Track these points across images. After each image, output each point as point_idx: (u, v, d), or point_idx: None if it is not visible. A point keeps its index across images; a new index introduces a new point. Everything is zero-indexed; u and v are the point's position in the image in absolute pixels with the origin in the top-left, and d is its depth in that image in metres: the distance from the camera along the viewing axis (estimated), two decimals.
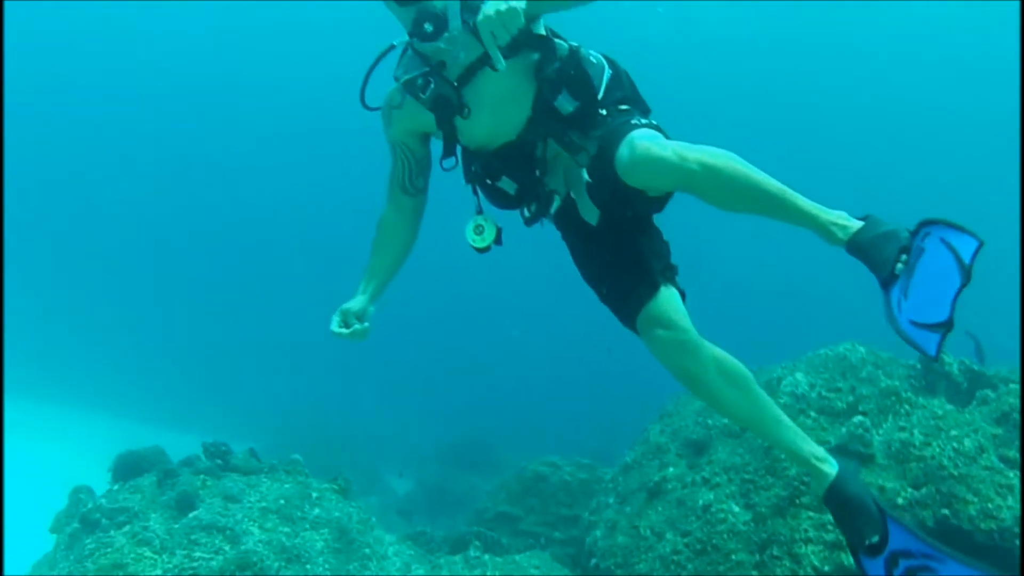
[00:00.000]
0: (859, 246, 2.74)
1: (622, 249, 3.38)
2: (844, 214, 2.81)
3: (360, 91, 3.43)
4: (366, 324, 3.27)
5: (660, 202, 3.29)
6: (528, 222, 3.48)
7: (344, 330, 3.23)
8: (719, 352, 3.25)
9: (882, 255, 2.71)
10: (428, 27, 3.13)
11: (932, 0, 21.28)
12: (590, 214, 3.34)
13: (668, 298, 3.25)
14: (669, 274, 3.36)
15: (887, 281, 2.71)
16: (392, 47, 3.41)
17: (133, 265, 25.13)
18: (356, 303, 3.30)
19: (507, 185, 3.40)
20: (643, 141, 2.89)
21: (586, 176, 3.30)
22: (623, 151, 2.93)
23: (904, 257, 2.70)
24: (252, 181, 27.03)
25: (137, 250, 25.45)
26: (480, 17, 2.83)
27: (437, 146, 3.56)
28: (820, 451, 3.28)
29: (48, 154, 26.05)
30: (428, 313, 22.23)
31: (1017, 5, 18.63)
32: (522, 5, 2.82)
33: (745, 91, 25.17)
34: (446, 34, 3.17)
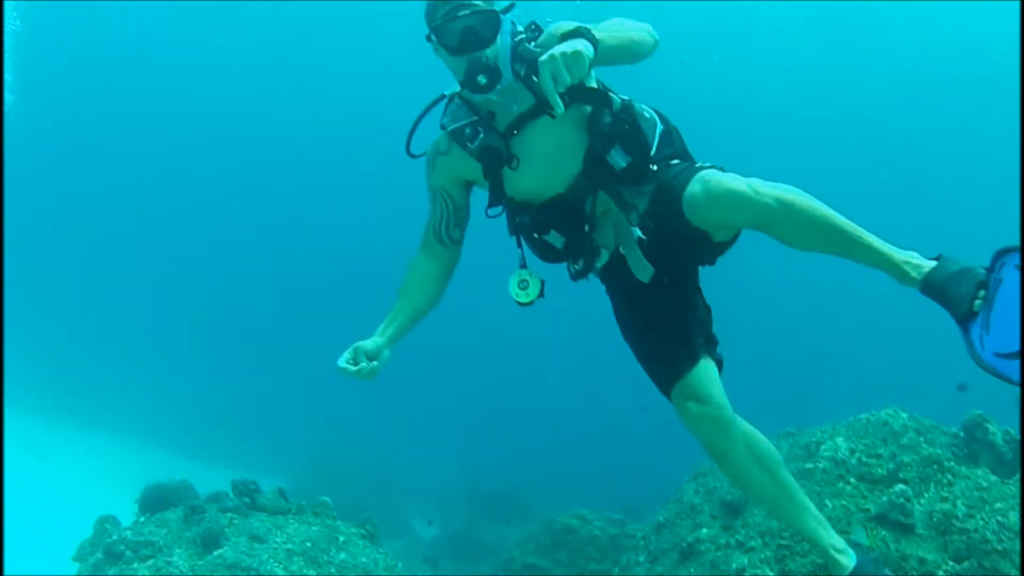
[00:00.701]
0: (934, 285, 2.65)
1: (667, 313, 3.34)
2: (916, 254, 2.73)
3: (407, 139, 3.41)
4: (375, 364, 3.12)
5: (717, 250, 3.23)
6: (575, 277, 3.42)
7: (351, 367, 3.09)
8: (750, 431, 3.25)
9: (959, 292, 2.62)
10: (482, 79, 3.11)
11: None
12: (643, 271, 3.27)
13: (706, 371, 3.23)
14: (709, 346, 3.33)
15: (965, 318, 2.60)
16: (443, 97, 3.40)
17: (173, 296, 25.31)
18: (371, 343, 3.18)
19: (555, 239, 3.36)
20: (717, 177, 2.87)
21: (638, 232, 3.24)
22: (695, 188, 2.89)
23: (982, 293, 2.60)
24: (291, 218, 27.12)
25: (179, 281, 25.63)
26: (544, 57, 2.78)
27: (476, 199, 3.53)
28: (840, 542, 3.29)
29: (86, 182, 26.30)
30: (466, 357, 22.21)
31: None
32: (589, 51, 2.78)
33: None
34: (499, 86, 3.14)
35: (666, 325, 3.34)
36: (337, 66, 26.48)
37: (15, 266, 19.02)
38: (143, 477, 13.78)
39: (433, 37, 3.22)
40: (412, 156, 3.48)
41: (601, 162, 3.23)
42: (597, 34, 2.90)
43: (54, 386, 17.71)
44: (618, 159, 3.22)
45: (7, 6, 12.03)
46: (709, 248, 3.18)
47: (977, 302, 2.59)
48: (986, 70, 22.14)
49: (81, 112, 25.71)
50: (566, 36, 2.87)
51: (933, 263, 2.69)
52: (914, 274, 2.69)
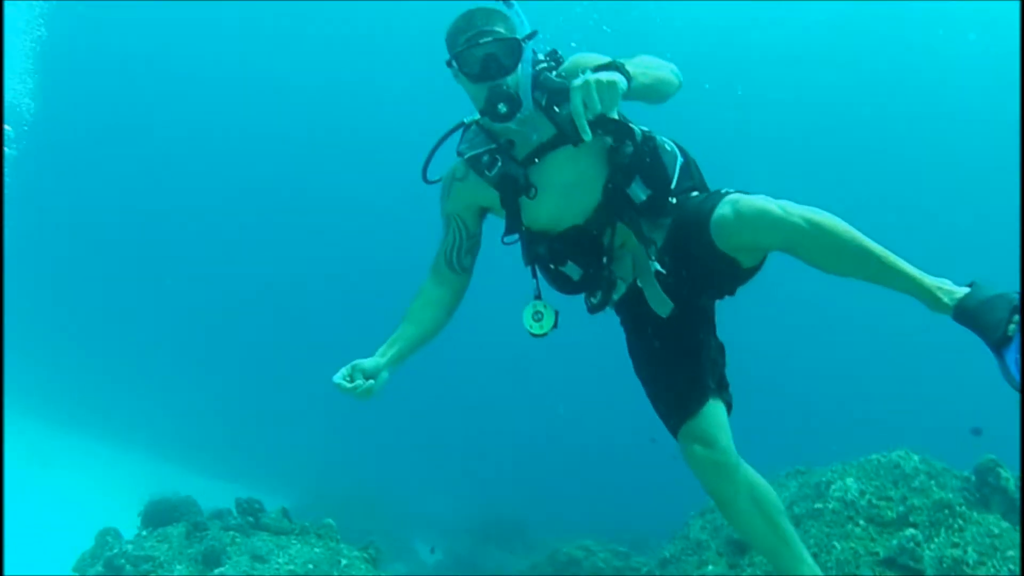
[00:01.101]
0: (967, 311, 2.61)
1: (680, 351, 3.29)
2: (948, 281, 2.69)
3: (423, 165, 3.37)
4: (371, 383, 3.03)
5: (739, 279, 3.16)
6: (593, 310, 3.35)
7: (347, 383, 3.00)
8: (755, 477, 3.20)
9: (993, 318, 2.57)
10: (503, 108, 3.08)
11: None
12: (661, 306, 3.22)
13: (714, 414, 3.19)
14: (720, 388, 3.29)
15: (1000, 343, 2.55)
16: (461, 124, 3.36)
17: (186, 308, 25.36)
18: (370, 362, 3.09)
19: (572, 271, 3.31)
20: (746, 198, 2.84)
21: (656, 266, 3.18)
22: (724, 210, 2.85)
23: (1016, 318, 2.56)
24: (307, 240, 27.14)
25: (193, 293, 25.66)
26: (578, 82, 2.73)
27: (489, 228, 3.49)
28: None
29: (103, 191, 26.38)
30: (474, 382, 22.14)
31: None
32: (623, 84, 2.75)
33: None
34: (519, 115, 3.12)
35: (678, 363, 3.29)
36: (356, 84, 26.47)
37: (31, 271, 19.14)
38: (147, 488, 13.76)
39: (454, 63, 3.20)
40: (428, 182, 3.45)
41: (621, 194, 3.20)
42: (630, 69, 2.86)
43: (61, 392, 17.73)
44: (638, 192, 3.19)
45: (34, 11, 12.08)
46: (732, 277, 3.13)
47: (1012, 327, 2.55)
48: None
49: (96, 121, 25.75)
50: (599, 68, 2.81)
51: (966, 289, 2.66)
52: (947, 300, 2.65)
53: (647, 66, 3.00)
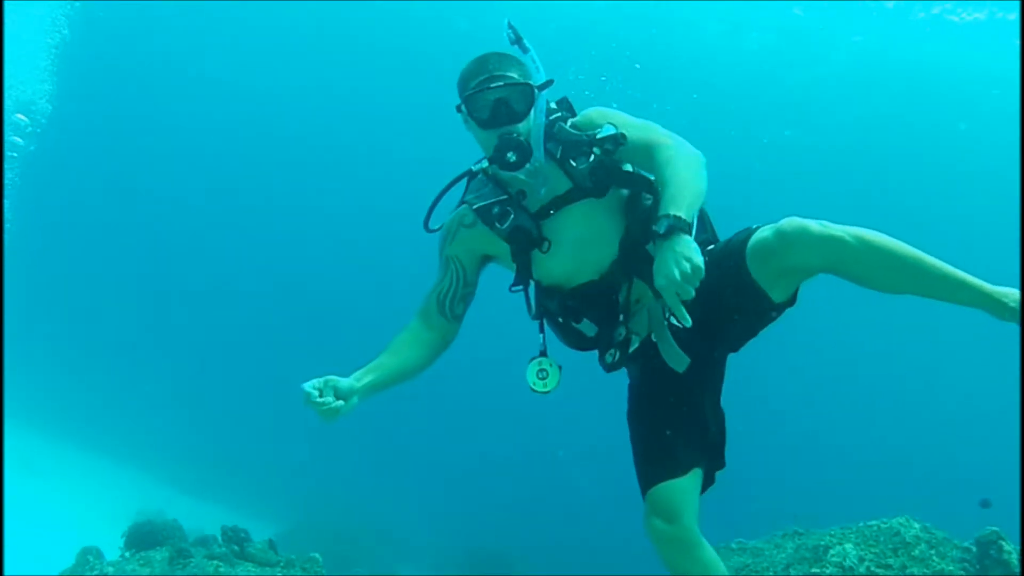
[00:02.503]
0: None
1: (683, 412, 3.18)
2: (1011, 289, 2.68)
3: (426, 214, 3.28)
4: (341, 403, 2.85)
5: (766, 317, 3.08)
6: (609, 369, 3.25)
7: (316, 395, 2.80)
8: (711, 556, 3.07)
9: None
10: (512, 156, 3.00)
11: None
12: (677, 361, 3.13)
13: (686, 487, 3.06)
14: (710, 461, 3.18)
15: None
16: (469, 172, 3.29)
17: (182, 327, 25.28)
18: (345, 382, 2.91)
19: (587, 328, 3.22)
20: (786, 219, 2.79)
21: (673, 320, 3.08)
22: (764, 234, 2.82)
23: None
24: (305, 261, 27.04)
25: (190, 312, 25.59)
26: (662, 282, 2.63)
27: (484, 280, 3.40)
28: None
29: (108, 202, 26.30)
30: (471, 417, 22.01)
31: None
32: (701, 261, 2.61)
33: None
34: (528, 165, 3.04)
35: (677, 424, 3.17)
36: (371, 93, 26.26)
37: (28, 278, 19.04)
38: (132, 502, 13.72)
39: (464, 108, 3.12)
40: (429, 231, 3.33)
41: (640, 250, 3.10)
42: (684, 214, 2.70)
43: (52, 404, 17.65)
44: None
45: (57, 11, 12.07)
46: (758, 315, 3.05)
47: None
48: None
49: (109, 125, 25.66)
50: (659, 239, 2.68)
51: None
52: (1013, 305, 2.63)
53: (690, 187, 2.85)
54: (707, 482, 3.18)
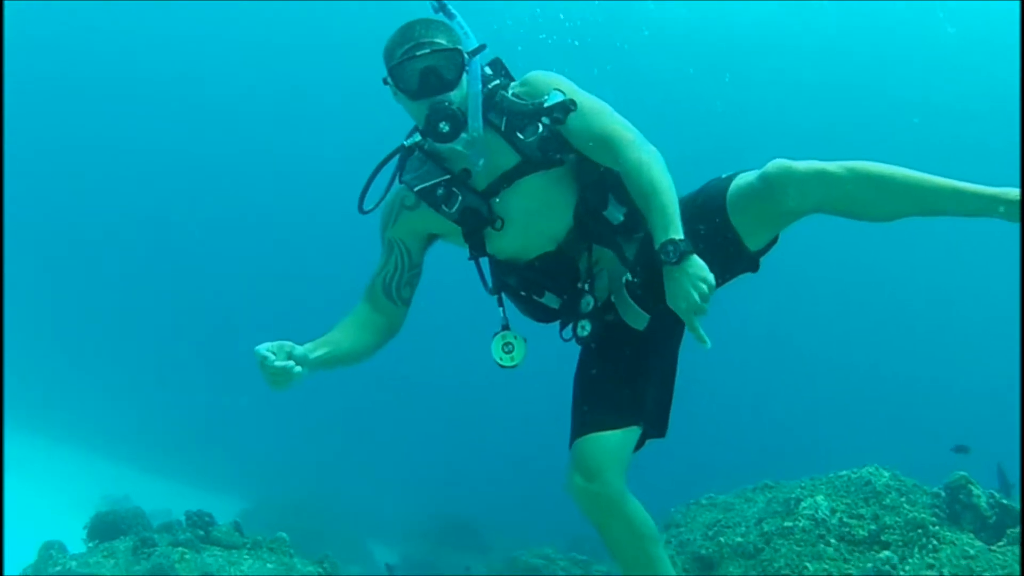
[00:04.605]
0: None
1: (627, 367, 3.09)
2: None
3: (360, 196, 3.13)
4: (297, 368, 2.71)
5: (734, 268, 3.01)
6: (582, 341, 3.16)
7: (272, 356, 2.67)
8: (636, 516, 2.99)
9: None
10: (444, 127, 2.86)
11: None
12: (637, 319, 3.05)
13: (613, 444, 2.97)
14: (651, 423, 3.11)
15: None
16: (402, 147, 3.12)
17: (134, 302, 24.97)
18: (300, 349, 2.78)
19: (550, 300, 3.14)
20: (769, 165, 2.76)
21: (628, 276, 3.03)
22: (747, 179, 2.81)
23: None
24: (262, 242, 26.80)
25: (139, 286, 25.28)
26: (683, 305, 2.60)
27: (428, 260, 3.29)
28: None
29: (50, 187, 25.89)
30: (432, 386, 21.95)
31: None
32: (711, 275, 2.60)
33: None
34: (464, 135, 2.90)
35: (612, 379, 3.10)
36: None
37: None
38: (96, 491, 13.53)
39: (390, 80, 2.97)
40: (364, 212, 3.17)
41: (596, 217, 3.03)
42: (680, 225, 2.67)
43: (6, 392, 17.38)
44: (616, 213, 3.03)
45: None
46: (728, 263, 2.95)
47: None
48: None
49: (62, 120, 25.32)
50: (671, 266, 2.63)
51: None
52: (1012, 196, 2.59)
53: (674, 199, 2.77)
54: (637, 446, 3.10)
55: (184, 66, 25.10)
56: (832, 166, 2.67)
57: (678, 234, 2.64)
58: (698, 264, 2.60)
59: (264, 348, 2.70)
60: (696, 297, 2.55)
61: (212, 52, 25.06)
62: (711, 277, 2.57)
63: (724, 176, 2.97)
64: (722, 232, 2.87)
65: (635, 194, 2.83)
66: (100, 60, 25.03)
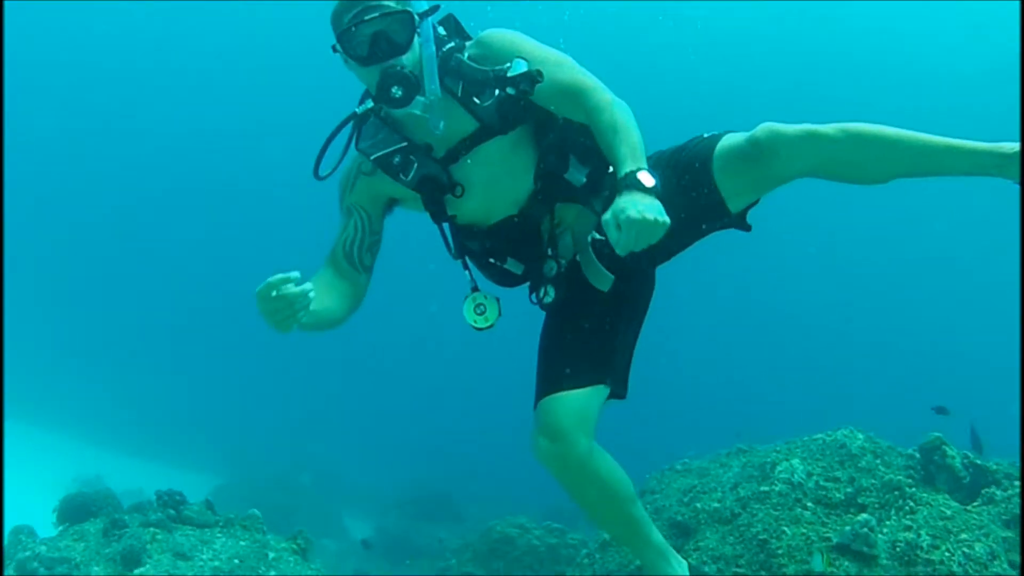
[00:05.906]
0: None
1: (590, 326, 3.07)
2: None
3: (315, 163, 3.03)
4: (312, 294, 2.42)
5: (704, 230, 2.98)
6: (547, 307, 3.14)
7: (291, 284, 2.37)
8: (610, 475, 3.00)
9: None
10: (397, 92, 2.77)
11: None
12: (601, 280, 3.02)
13: (578, 403, 2.95)
14: (610, 381, 3.06)
15: None
16: (355, 115, 3.03)
17: (104, 287, 24.82)
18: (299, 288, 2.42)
19: (514, 266, 3.10)
20: (758, 128, 2.70)
21: (595, 234, 3.01)
22: (734, 140, 2.76)
23: None
24: (217, 207, 26.66)
25: (110, 271, 25.12)
26: (621, 241, 2.38)
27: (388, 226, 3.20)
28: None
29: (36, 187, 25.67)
30: (402, 356, 21.91)
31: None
32: (668, 222, 2.39)
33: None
34: (420, 98, 2.80)
35: (576, 338, 3.08)
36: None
37: None
38: (68, 472, 13.40)
39: (339, 46, 2.87)
40: (319, 179, 3.08)
41: (558, 180, 2.96)
42: (644, 164, 2.51)
43: None
44: (577, 175, 2.96)
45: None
46: (706, 223, 2.94)
47: None
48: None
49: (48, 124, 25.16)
50: (630, 188, 2.44)
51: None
52: (1007, 150, 2.54)
53: (632, 134, 2.64)
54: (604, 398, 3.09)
55: (184, 66, 25.01)
56: (824, 127, 2.62)
57: (644, 166, 2.51)
58: (657, 207, 2.40)
59: (277, 279, 2.39)
60: (638, 217, 2.33)
61: (212, 52, 24.96)
62: (666, 219, 2.38)
63: (707, 135, 2.91)
64: (703, 189, 2.83)
65: (603, 131, 2.71)
66: (100, 60, 24.93)
